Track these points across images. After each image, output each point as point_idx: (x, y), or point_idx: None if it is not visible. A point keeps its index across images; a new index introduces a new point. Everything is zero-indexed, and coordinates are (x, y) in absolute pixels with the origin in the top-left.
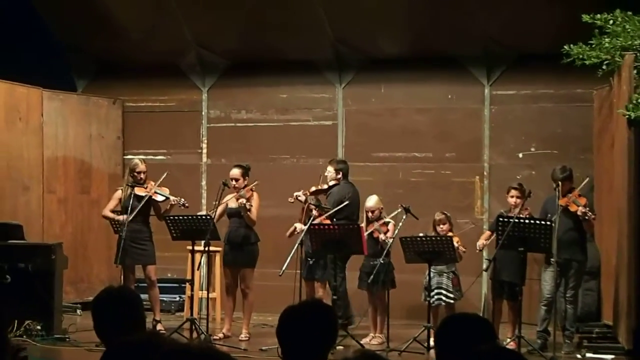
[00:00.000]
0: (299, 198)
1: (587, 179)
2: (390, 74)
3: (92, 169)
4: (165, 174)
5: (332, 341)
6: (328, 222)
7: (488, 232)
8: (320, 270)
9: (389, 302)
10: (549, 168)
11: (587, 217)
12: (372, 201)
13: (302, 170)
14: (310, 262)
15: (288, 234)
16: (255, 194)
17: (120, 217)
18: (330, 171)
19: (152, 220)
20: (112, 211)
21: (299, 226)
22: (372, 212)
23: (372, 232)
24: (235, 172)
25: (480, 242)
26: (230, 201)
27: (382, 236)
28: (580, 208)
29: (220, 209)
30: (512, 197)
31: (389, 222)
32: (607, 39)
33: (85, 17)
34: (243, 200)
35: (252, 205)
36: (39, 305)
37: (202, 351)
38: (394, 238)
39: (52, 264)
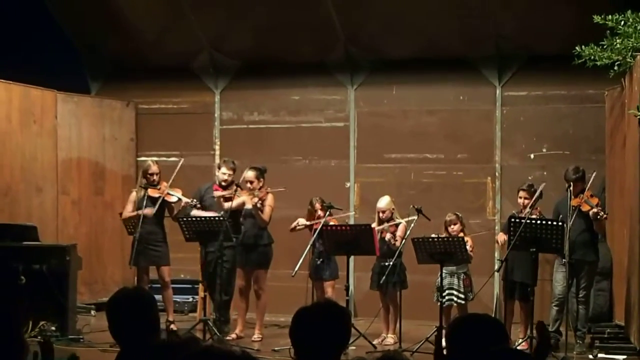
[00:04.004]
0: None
1: (594, 173)
2: (401, 76)
3: (106, 171)
4: (181, 161)
5: (345, 341)
6: (336, 222)
7: (502, 233)
8: (328, 270)
9: (401, 303)
10: (560, 169)
11: (598, 217)
12: (383, 202)
13: (314, 172)
14: (318, 262)
15: (291, 227)
16: (270, 195)
17: (146, 210)
18: (226, 172)
19: (166, 221)
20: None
21: (302, 221)
22: (383, 212)
23: (380, 232)
24: (250, 174)
25: (501, 238)
26: (247, 202)
27: (388, 235)
28: (593, 209)
29: (235, 203)
30: (520, 198)
31: (399, 223)
32: (618, 40)
33: (98, 19)
34: (255, 199)
35: (264, 205)
36: (54, 306)
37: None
38: (405, 239)
39: (66, 265)
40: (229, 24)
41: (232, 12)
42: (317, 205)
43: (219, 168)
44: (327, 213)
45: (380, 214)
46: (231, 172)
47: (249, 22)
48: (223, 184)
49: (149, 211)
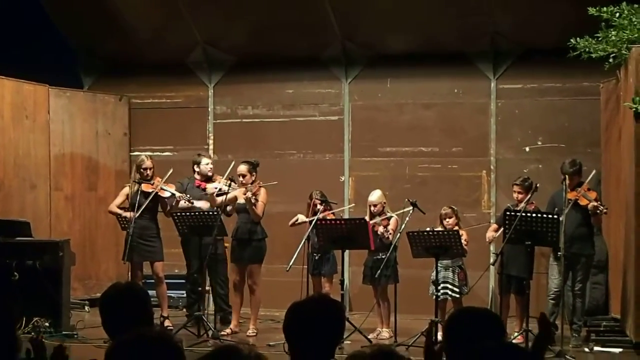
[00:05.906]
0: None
1: (594, 171)
2: (396, 69)
3: (99, 166)
4: (170, 171)
5: (339, 336)
6: (332, 217)
7: (495, 225)
8: (327, 265)
9: (396, 297)
10: (556, 162)
11: (598, 212)
12: (374, 196)
13: (308, 166)
14: (316, 258)
15: (290, 223)
16: (263, 189)
17: (127, 214)
18: (209, 162)
19: (160, 216)
20: (120, 207)
21: (302, 217)
22: (375, 206)
23: (373, 226)
24: (242, 168)
25: (489, 234)
26: (239, 197)
27: (381, 229)
28: (592, 203)
29: (227, 198)
30: (514, 192)
31: (391, 216)
32: (613, 32)
33: (92, 14)
34: (249, 194)
35: (257, 200)
36: (47, 302)
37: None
38: (400, 233)
39: (59, 261)
40: (223, 19)
41: (226, 7)
42: (316, 200)
43: (199, 163)
44: (322, 208)
45: (372, 208)
46: (211, 161)
47: (243, 17)
48: (209, 174)
49: (129, 215)
